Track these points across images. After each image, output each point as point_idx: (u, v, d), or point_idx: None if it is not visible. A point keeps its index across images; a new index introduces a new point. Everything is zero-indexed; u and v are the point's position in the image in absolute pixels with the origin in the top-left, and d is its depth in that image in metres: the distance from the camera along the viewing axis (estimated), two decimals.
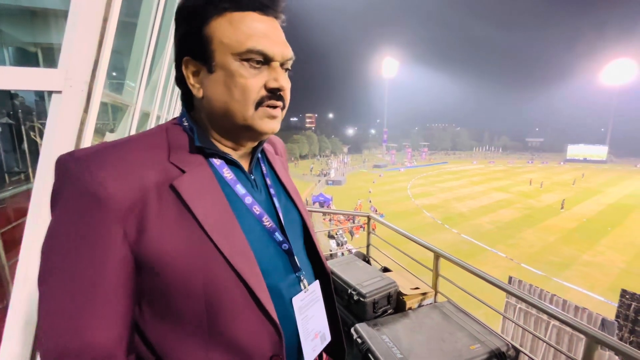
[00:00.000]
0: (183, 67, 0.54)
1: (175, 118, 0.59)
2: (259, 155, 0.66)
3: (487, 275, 2.13)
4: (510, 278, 8.30)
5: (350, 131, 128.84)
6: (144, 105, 2.50)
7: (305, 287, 0.63)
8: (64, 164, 0.45)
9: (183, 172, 0.51)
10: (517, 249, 18.83)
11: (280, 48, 0.53)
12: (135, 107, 2.29)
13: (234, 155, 0.59)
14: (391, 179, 48.31)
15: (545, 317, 6.20)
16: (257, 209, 0.58)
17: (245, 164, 0.62)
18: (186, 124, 0.56)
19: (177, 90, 0.75)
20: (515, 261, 17.08)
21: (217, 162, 0.56)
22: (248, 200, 0.58)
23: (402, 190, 38.67)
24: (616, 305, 6.88)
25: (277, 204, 0.63)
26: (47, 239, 0.45)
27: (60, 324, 0.42)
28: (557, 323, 5.72)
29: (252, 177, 0.62)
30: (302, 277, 0.63)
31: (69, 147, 1.14)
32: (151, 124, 2.99)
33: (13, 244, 1.70)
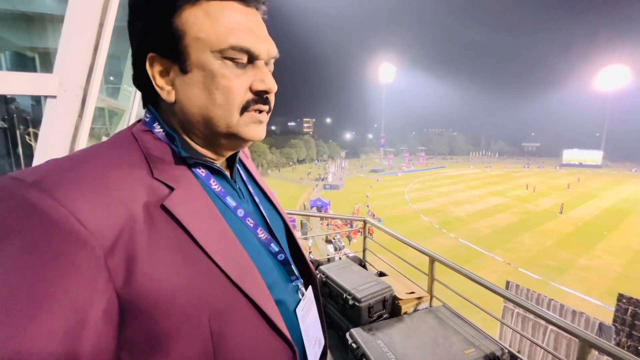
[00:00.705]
0: (147, 66, 0.45)
1: (138, 123, 0.49)
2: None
3: (482, 280, 2.13)
4: (507, 282, 8.30)
5: (348, 136, 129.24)
6: (140, 110, 2.50)
7: (303, 295, 0.61)
8: (13, 193, 0.33)
9: (171, 188, 0.43)
10: (514, 253, 18.86)
11: (266, 44, 0.47)
12: (132, 112, 2.29)
13: (217, 163, 0.53)
14: (389, 184, 48.40)
15: (543, 321, 6.19)
16: (250, 221, 0.54)
17: (227, 172, 0.56)
18: (160, 130, 0.48)
19: None
20: (512, 265, 17.09)
21: (201, 172, 0.50)
22: (240, 212, 0.52)
23: (400, 195, 38.72)
24: (613, 309, 6.89)
25: (264, 213, 0.60)
26: (2, 284, 0.31)
27: None
28: (555, 328, 5.72)
29: (237, 186, 0.57)
30: (299, 286, 0.61)
31: (64, 152, 1.15)
32: None
33: None
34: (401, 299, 2.32)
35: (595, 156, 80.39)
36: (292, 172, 60.16)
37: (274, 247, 0.57)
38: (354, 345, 1.81)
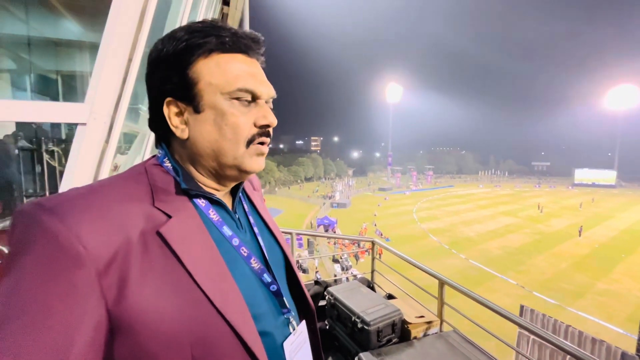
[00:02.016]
0: (165, 109, 0.52)
1: (153, 158, 0.56)
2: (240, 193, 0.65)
3: (494, 305, 2.09)
4: (521, 307, 7.99)
5: (355, 154, 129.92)
6: None
7: (294, 329, 0.61)
8: (32, 216, 0.40)
9: (169, 217, 0.48)
10: (528, 276, 18.25)
11: (266, 87, 0.55)
12: (150, 134, 2.41)
13: (218, 195, 0.58)
14: (396, 202, 48.03)
15: (561, 351, 5.90)
16: (244, 251, 0.56)
17: (228, 203, 0.60)
18: (168, 164, 0.54)
19: None
20: (526, 289, 16.49)
21: (201, 203, 0.54)
22: (235, 242, 0.55)
23: (408, 214, 38.30)
24: (636, 337, 6.54)
25: (262, 243, 0.62)
26: (8, 294, 0.37)
27: None
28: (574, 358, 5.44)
29: (237, 217, 0.60)
30: (290, 319, 0.61)
31: (90, 174, 1.22)
32: None
33: None
34: (410, 323, 2.29)
35: (608, 176, 78.78)
36: (300, 190, 60.34)
37: (267, 277, 0.58)
38: None
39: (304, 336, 0.64)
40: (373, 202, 47.06)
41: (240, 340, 0.47)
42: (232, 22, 4.87)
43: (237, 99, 0.51)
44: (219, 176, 0.56)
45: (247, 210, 0.65)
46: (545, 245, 24.60)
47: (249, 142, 0.53)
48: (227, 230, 0.55)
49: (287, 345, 0.58)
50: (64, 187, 1.21)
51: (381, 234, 26.50)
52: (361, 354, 1.88)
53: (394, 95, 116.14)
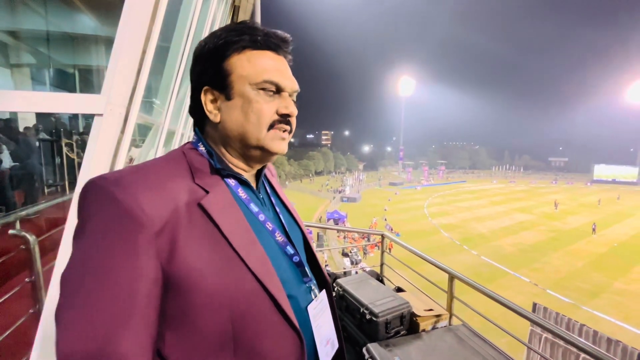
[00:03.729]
0: (202, 96, 0.60)
1: (188, 143, 0.64)
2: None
3: (504, 300, 2.07)
4: (534, 305, 7.86)
5: (366, 148, 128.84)
6: (168, 124, 2.67)
7: (316, 296, 0.68)
8: (100, 187, 0.47)
9: (207, 192, 0.56)
10: (541, 274, 17.89)
11: (290, 81, 0.62)
12: (164, 126, 2.46)
13: (245, 175, 0.65)
14: (407, 197, 47.59)
15: (574, 349, 5.81)
16: (269, 225, 0.64)
17: (253, 184, 0.68)
18: (202, 148, 0.62)
19: None
20: (540, 287, 16.19)
21: (232, 182, 0.62)
22: (261, 217, 0.63)
23: (419, 209, 37.93)
24: None
25: (283, 220, 0.69)
26: (82, 254, 0.45)
27: (90, 332, 0.41)
28: (587, 356, 5.33)
29: (261, 196, 0.68)
30: (312, 287, 0.68)
31: (106, 164, 1.25)
32: (176, 141, 3.17)
33: (44, 251, 1.84)
34: (419, 316, 2.29)
35: (630, 172, 75.78)
36: (310, 184, 60.49)
37: (290, 249, 0.66)
38: None
39: (325, 303, 0.71)
40: (384, 197, 46.74)
41: (272, 298, 0.55)
42: (244, 14, 4.87)
43: (263, 89, 0.59)
44: (246, 157, 0.63)
45: (268, 191, 0.73)
46: (561, 243, 23.99)
47: (270, 127, 0.60)
48: (254, 207, 0.63)
49: (310, 309, 0.65)
50: (83, 174, 1.25)
51: (391, 229, 26.37)
52: (369, 345, 1.90)
53: (407, 88, 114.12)
